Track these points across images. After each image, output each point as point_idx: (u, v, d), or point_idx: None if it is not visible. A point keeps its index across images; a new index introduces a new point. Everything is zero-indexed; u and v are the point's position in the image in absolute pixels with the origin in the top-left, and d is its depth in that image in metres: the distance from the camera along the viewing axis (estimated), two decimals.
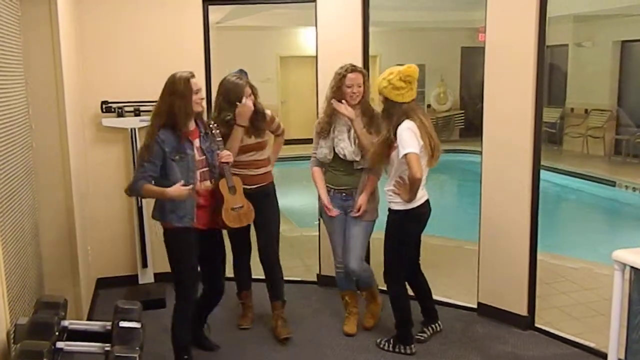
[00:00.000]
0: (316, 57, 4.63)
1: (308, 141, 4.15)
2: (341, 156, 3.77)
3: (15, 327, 2.58)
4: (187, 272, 3.36)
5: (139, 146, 4.21)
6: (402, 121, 3.41)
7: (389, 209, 3.62)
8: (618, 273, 2.82)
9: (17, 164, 3.11)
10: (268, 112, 3.89)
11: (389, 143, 3.48)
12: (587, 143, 11.59)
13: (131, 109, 4.59)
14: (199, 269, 3.48)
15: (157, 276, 4.74)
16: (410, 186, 3.40)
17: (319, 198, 3.92)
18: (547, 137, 11.27)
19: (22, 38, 3.38)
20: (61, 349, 2.58)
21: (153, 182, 3.18)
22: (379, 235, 3.86)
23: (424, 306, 4.00)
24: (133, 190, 3.26)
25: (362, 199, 3.76)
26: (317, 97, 4.50)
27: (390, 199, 3.58)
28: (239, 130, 3.65)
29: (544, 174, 3.97)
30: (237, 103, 3.61)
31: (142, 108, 4.55)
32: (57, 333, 2.58)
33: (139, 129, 4.53)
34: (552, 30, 3.88)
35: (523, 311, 4.03)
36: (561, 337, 3.90)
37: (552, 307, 4.37)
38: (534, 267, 3.98)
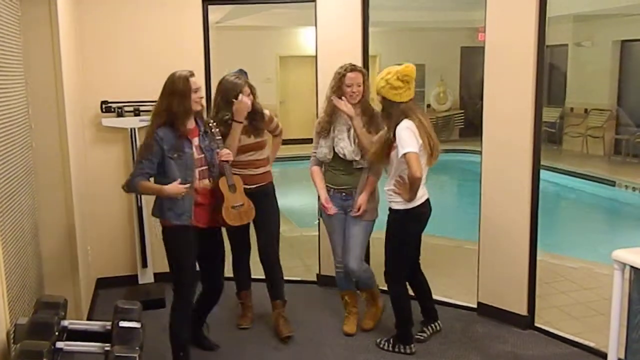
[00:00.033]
0: (316, 57, 4.63)
1: (308, 141, 4.16)
2: (341, 156, 3.77)
3: (15, 327, 2.58)
4: (186, 271, 3.36)
5: (138, 146, 4.21)
6: (401, 121, 3.41)
7: (390, 209, 3.62)
8: (618, 273, 2.82)
9: (16, 164, 3.11)
10: (267, 112, 3.90)
11: (389, 143, 3.49)
12: (587, 143, 11.60)
13: (131, 108, 4.59)
14: (197, 267, 3.49)
15: (157, 276, 4.74)
16: (410, 185, 3.40)
17: (319, 198, 3.92)
18: (546, 137, 11.26)
19: (22, 38, 3.38)
20: (61, 349, 2.58)
21: (151, 179, 3.21)
22: (379, 235, 3.87)
23: (423, 306, 4.00)
24: (130, 187, 3.28)
25: (361, 199, 3.76)
26: (317, 97, 4.51)
27: (391, 199, 3.58)
28: (237, 127, 3.66)
29: (543, 174, 3.97)
30: (233, 100, 3.62)
31: (141, 108, 4.55)
32: (57, 333, 2.58)
33: (139, 128, 4.53)
34: (552, 30, 3.88)
35: (523, 311, 4.03)
36: (561, 336, 3.90)
37: (552, 306, 4.37)
38: (533, 267, 3.98)
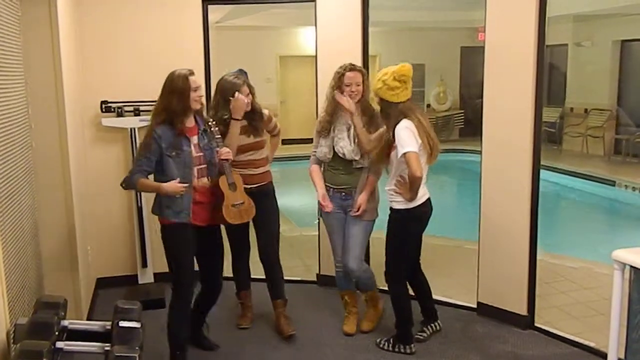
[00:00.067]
0: (316, 56, 4.63)
1: (308, 141, 4.16)
2: (340, 155, 3.77)
3: (15, 327, 2.58)
4: (184, 269, 3.37)
5: (138, 145, 4.22)
6: (400, 121, 3.41)
7: (391, 208, 3.62)
8: (618, 272, 2.82)
9: (16, 163, 3.11)
10: (266, 111, 3.91)
11: (388, 143, 3.49)
12: (587, 143, 11.59)
13: (131, 108, 4.60)
14: (196, 266, 3.49)
15: (157, 276, 4.74)
16: (411, 185, 3.40)
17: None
18: (546, 137, 11.26)
19: (22, 38, 3.38)
20: (61, 349, 2.58)
21: (150, 177, 3.24)
22: (379, 235, 3.87)
23: (424, 306, 4.00)
24: (128, 184, 3.31)
25: (361, 199, 3.76)
26: (317, 97, 4.51)
27: (392, 198, 3.58)
28: (236, 125, 3.66)
29: (543, 174, 3.97)
30: (230, 98, 3.63)
31: (141, 108, 4.55)
32: (56, 333, 2.58)
33: (139, 128, 4.53)
34: (552, 30, 3.88)
35: (523, 311, 4.03)
36: (561, 336, 3.90)
37: (552, 306, 4.37)
38: (533, 267, 3.98)
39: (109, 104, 4.56)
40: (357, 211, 3.76)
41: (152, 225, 4.49)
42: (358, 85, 3.70)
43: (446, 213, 4.95)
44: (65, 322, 2.75)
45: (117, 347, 2.58)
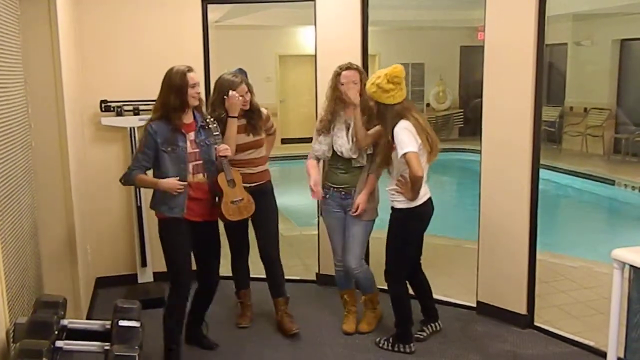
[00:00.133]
0: (315, 56, 4.63)
1: (307, 140, 4.16)
2: (339, 153, 3.77)
3: (15, 326, 2.58)
4: (179, 263, 3.39)
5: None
6: (397, 122, 3.42)
7: (392, 208, 3.62)
8: (617, 272, 2.82)
9: (16, 163, 3.10)
10: (264, 110, 3.91)
11: (389, 145, 3.50)
12: (587, 142, 11.60)
13: (130, 108, 4.59)
14: (193, 264, 3.50)
15: (156, 275, 4.73)
16: (412, 184, 3.40)
17: (320, 197, 3.90)
18: (546, 136, 11.27)
19: (21, 37, 3.37)
20: (60, 348, 2.58)
21: (149, 173, 3.27)
22: (379, 234, 3.87)
23: (424, 305, 3.99)
24: (127, 180, 3.36)
25: (360, 198, 3.75)
26: (316, 96, 4.51)
27: (393, 198, 3.58)
28: (232, 122, 3.67)
29: (543, 173, 3.97)
30: (225, 97, 3.63)
31: (141, 107, 4.55)
32: (56, 332, 2.57)
33: (138, 127, 4.53)
34: (551, 29, 3.88)
35: (522, 310, 4.03)
36: (560, 335, 3.90)
37: (552, 305, 4.37)
38: (533, 266, 3.98)
39: (109, 103, 4.56)
40: (356, 211, 3.75)
41: (152, 225, 4.49)
42: (355, 84, 3.69)
43: (446, 212, 4.95)
44: (65, 322, 2.75)
45: (117, 346, 2.57)
